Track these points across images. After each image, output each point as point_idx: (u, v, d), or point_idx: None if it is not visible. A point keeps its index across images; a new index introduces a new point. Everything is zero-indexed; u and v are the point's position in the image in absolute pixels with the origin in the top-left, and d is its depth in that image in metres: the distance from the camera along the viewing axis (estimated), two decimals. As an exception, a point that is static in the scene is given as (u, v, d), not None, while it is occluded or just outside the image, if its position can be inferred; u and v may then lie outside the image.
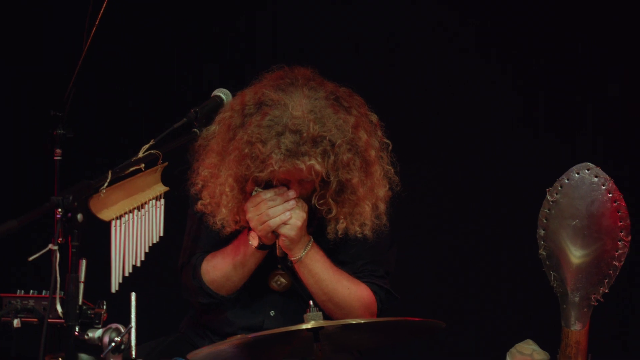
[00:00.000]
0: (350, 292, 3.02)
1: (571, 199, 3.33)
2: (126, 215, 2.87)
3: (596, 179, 3.32)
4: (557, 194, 3.36)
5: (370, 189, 2.98)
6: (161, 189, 2.96)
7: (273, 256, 3.05)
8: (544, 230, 3.37)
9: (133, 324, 2.54)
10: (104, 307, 2.63)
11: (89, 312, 2.59)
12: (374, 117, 3.04)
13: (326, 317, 2.85)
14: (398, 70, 4.80)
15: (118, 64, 4.84)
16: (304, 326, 2.51)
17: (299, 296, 3.05)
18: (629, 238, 3.29)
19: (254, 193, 2.96)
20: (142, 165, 2.83)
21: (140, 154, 2.84)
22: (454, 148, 4.90)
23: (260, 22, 4.82)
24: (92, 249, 2.70)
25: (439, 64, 4.78)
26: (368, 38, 4.81)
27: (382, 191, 3.02)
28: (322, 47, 4.64)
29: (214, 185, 2.99)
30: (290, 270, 3.05)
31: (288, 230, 2.92)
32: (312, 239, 2.99)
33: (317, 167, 2.84)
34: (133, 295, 2.57)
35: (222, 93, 3.10)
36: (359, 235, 2.99)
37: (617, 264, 3.26)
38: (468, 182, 5.17)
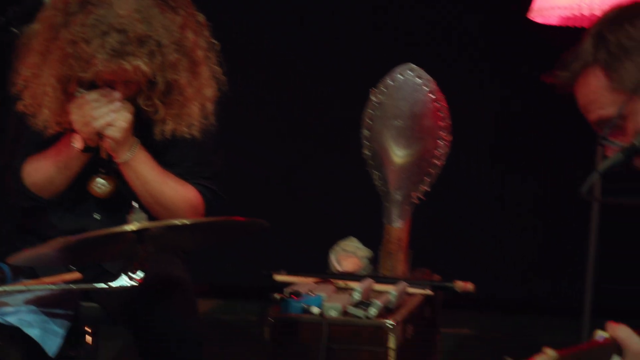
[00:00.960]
0: (177, 193, 2.97)
1: (394, 100, 3.40)
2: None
3: (419, 80, 3.39)
4: (381, 95, 3.41)
5: (198, 89, 2.94)
6: (-25, 97, 2.82)
7: (98, 159, 2.96)
8: (368, 130, 3.43)
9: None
10: None
11: None
12: (201, 17, 3.00)
13: (152, 219, 2.83)
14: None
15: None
16: (128, 228, 2.45)
17: (124, 200, 2.98)
18: (450, 138, 3.39)
19: (77, 95, 2.85)
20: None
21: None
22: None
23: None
24: None
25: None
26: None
27: (209, 92, 2.99)
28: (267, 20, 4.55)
29: (36, 85, 2.86)
30: (115, 173, 2.98)
31: (113, 132, 2.84)
32: (138, 141, 2.93)
33: (144, 67, 2.76)
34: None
35: None
36: (187, 137, 2.95)
37: (438, 162, 3.37)
38: (300, 87, 5.20)
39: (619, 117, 1.94)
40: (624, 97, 1.93)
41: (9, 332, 2.72)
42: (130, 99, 2.86)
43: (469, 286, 3.23)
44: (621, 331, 1.89)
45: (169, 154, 3.00)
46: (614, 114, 1.94)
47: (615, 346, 1.90)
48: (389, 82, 3.41)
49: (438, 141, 3.39)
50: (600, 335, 1.93)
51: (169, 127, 2.90)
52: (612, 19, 1.97)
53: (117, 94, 2.83)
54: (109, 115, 2.81)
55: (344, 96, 4.80)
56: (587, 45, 1.98)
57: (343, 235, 3.44)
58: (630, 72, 1.91)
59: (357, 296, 2.96)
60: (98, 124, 2.80)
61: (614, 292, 3.82)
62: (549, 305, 4.56)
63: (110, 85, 2.83)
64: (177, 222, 2.59)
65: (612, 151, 1.88)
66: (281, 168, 5.49)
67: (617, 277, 4.81)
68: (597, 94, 1.98)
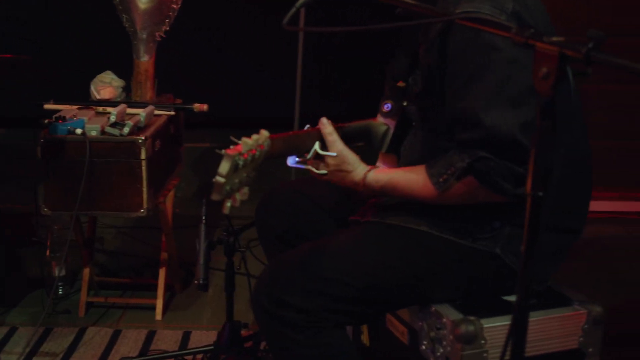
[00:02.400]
0: None
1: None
2: None
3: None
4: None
5: None
6: None
7: None
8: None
9: None
10: None
11: None
12: None
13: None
14: None
15: None
16: None
17: None
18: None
19: None
20: None
21: None
22: None
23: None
24: None
25: None
26: None
27: None
28: None
29: None
30: None
31: None
32: None
33: None
34: None
35: None
36: None
37: (175, 7, 3.41)
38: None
39: None
40: None
41: None
42: None
43: (204, 107, 3.31)
44: (323, 124, 2.19)
45: None
46: None
47: (318, 135, 2.18)
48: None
49: (175, -11, 3.38)
50: (308, 126, 2.22)
51: None
52: None
53: None
54: None
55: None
56: None
57: (101, 69, 3.47)
58: None
59: (113, 118, 3.02)
60: None
61: (314, 108, 4.07)
62: (268, 121, 4.76)
63: None
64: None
65: None
66: (47, 12, 5.40)
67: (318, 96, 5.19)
68: None
